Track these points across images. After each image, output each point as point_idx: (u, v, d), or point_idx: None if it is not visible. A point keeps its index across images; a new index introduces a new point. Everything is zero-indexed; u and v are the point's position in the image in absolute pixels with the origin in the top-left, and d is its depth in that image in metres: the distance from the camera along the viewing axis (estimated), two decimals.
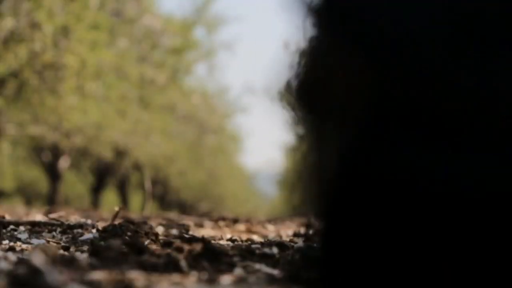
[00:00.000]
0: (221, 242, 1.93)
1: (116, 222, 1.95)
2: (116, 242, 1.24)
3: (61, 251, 1.42)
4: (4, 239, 1.79)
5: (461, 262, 1.05)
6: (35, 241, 1.80)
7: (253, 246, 1.72)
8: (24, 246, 1.68)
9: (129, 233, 1.68)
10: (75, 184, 21.51)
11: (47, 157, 14.12)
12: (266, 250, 1.49)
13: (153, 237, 1.69)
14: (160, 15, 12.22)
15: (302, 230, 3.15)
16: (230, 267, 1.22)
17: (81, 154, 14.84)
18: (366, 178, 1.06)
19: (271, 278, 1.12)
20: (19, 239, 1.82)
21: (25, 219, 2.48)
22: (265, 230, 3.10)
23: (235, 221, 3.36)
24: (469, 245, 1.04)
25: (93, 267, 1.14)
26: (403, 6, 1.09)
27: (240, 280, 1.10)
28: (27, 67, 7.75)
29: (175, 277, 1.11)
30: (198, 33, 15.14)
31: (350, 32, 1.11)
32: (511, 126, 1.04)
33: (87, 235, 1.77)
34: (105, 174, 16.73)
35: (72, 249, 1.54)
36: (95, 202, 16.18)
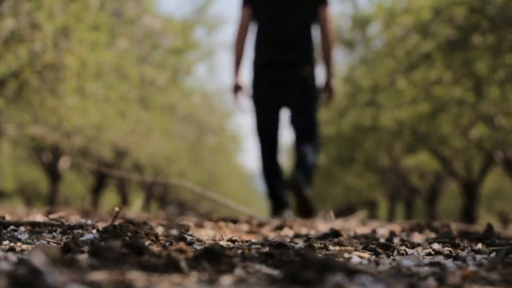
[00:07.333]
0: (221, 242, 1.93)
1: (116, 222, 1.95)
2: (116, 243, 1.24)
3: (61, 252, 1.42)
4: (4, 240, 1.79)
5: None
6: (35, 241, 1.80)
7: (253, 246, 1.72)
8: (24, 246, 1.68)
9: (129, 234, 1.68)
10: (75, 184, 21.50)
11: (47, 158, 14.12)
12: (266, 250, 1.49)
13: (153, 238, 1.69)
14: (160, 16, 12.22)
15: (303, 231, 3.15)
16: (230, 268, 1.22)
17: (81, 154, 14.83)
18: None
19: (271, 279, 1.12)
20: (19, 240, 1.82)
21: (25, 219, 2.48)
22: (265, 231, 3.10)
23: (235, 221, 3.36)
24: None
25: (93, 268, 1.14)
26: None
27: (240, 281, 1.10)
28: (27, 68, 7.75)
29: (176, 277, 1.11)
30: (198, 33, 15.15)
31: None
32: None
33: (87, 236, 1.77)
34: (105, 174, 16.72)
35: (72, 249, 1.54)
36: (95, 202, 16.18)
